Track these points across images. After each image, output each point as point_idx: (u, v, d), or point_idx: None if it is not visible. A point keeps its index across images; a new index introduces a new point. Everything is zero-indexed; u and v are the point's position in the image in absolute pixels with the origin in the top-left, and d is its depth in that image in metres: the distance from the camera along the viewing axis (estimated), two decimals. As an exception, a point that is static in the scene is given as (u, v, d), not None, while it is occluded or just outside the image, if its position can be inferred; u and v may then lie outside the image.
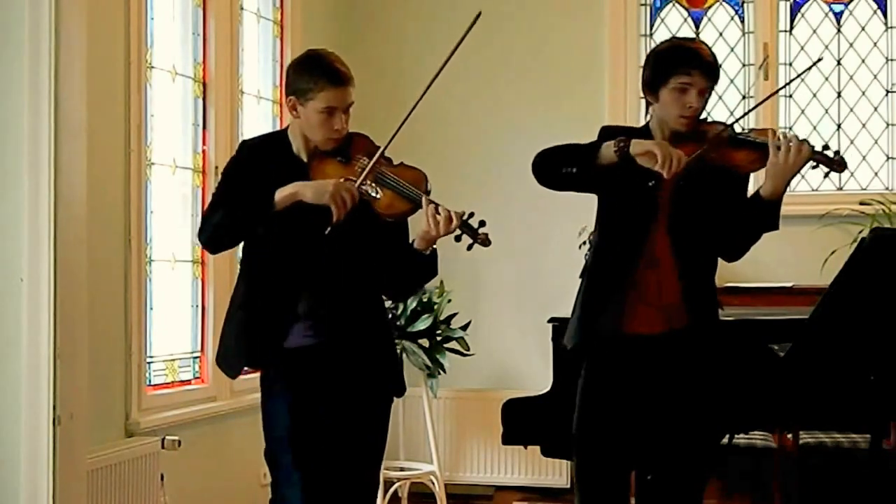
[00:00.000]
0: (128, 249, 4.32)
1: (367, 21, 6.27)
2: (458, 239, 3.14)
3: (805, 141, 3.16)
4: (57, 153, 3.60)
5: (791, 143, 3.11)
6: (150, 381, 4.53)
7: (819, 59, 3.64)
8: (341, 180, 3.07)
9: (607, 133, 3.32)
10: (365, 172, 3.11)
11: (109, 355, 4.20)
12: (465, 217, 3.09)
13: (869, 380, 3.57)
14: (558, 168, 3.23)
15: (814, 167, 3.17)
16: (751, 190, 3.34)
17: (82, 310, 3.75)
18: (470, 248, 3.14)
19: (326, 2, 6.12)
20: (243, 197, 3.13)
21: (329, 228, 3.06)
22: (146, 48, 4.47)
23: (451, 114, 6.11)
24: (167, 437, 4.37)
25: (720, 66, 3.28)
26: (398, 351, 5.43)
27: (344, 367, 3.21)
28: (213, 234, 3.20)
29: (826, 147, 3.18)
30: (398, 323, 5.39)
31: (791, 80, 3.64)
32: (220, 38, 5.01)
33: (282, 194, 3.07)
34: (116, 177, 4.27)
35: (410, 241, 3.20)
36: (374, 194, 3.12)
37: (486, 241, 3.11)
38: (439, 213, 3.07)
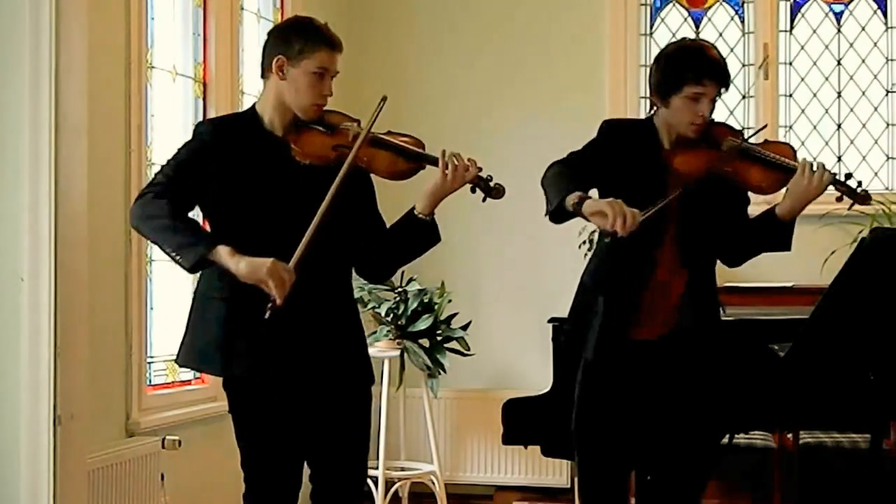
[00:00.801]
0: (128, 249, 4.32)
1: (367, 21, 6.26)
2: (473, 190, 3.12)
3: (828, 171, 3.16)
4: (57, 153, 3.61)
5: (818, 169, 3.13)
6: (150, 381, 4.53)
7: (764, 126, 3.66)
8: (275, 262, 2.88)
9: (609, 128, 3.30)
10: (365, 132, 3.01)
11: (110, 355, 4.20)
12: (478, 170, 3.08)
13: (869, 380, 3.57)
14: (549, 204, 3.14)
15: (838, 199, 3.18)
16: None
17: (83, 310, 3.75)
18: (485, 199, 3.12)
19: (326, 2, 6.12)
20: (183, 221, 2.94)
21: (269, 313, 2.89)
22: (146, 48, 4.48)
23: (451, 114, 6.10)
24: (167, 437, 4.37)
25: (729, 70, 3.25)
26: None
27: (313, 363, 3.10)
28: (139, 226, 2.99)
29: (849, 176, 3.18)
30: (399, 323, 5.40)
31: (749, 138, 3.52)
32: (220, 38, 5.01)
33: (215, 256, 2.90)
34: (117, 177, 4.27)
35: (412, 208, 3.11)
36: (365, 156, 3.04)
37: (500, 192, 3.11)
38: (457, 162, 3.02)
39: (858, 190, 3.17)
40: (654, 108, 3.29)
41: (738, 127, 3.33)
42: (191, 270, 2.97)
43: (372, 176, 3.17)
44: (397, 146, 3.10)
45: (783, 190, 3.27)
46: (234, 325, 3.04)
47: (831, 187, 3.20)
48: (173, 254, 2.93)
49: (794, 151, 3.30)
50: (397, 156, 3.10)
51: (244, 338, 3.03)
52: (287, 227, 3.00)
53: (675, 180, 3.19)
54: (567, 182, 3.09)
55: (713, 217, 3.23)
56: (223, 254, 2.91)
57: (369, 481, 5.40)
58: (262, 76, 3.15)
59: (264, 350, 3.04)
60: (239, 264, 2.89)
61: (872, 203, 3.27)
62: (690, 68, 3.14)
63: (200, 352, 3.11)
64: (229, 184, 3.04)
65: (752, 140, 3.29)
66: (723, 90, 3.20)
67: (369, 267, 3.24)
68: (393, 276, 3.29)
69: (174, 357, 3.26)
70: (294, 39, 3.06)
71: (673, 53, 3.24)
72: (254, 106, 3.18)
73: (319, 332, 3.10)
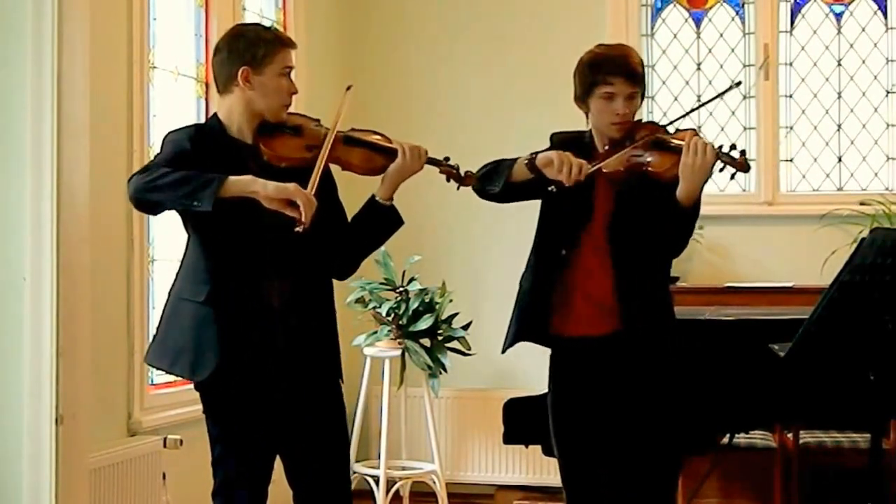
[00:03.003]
0: (130, 249, 4.33)
1: (368, 21, 6.27)
2: (447, 180, 3.24)
3: (711, 143, 3.13)
4: (59, 153, 3.62)
5: (697, 145, 3.10)
6: (152, 380, 4.54)
7: (738, 83, 3.63)
8: (299, 186, 2.91)
9: (557, 139, 3.41)
10: (333, 130, 3.06)
11: (111, 354, 4.21)
12: (442, 159, 3.20)
13: (869, 379, 3.58)
14: (484, 188, 3.32)
15: (721, 169, 3.15)
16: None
17: (85, 309, 3.76)
18: (458, 188, 3.26)
19: (328, 2, 6.13)
20: (186, 172, 2.91)
21: (300, 228, 2.90)
22: (148, 48, 4.49)
23: (450, 114, 6.11)
24: (169, 437, 4.38)
25: (643, 69, 3.29)
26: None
27: (282, 362, 3.10)
28: (142, 193, 2.92)
29: (733, 147, 3.16)
30: (400, 322, 5.41)
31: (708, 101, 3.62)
32: (221, 38, 5.02)
33: (233, 187, 2.88)
34: (119, 177, 4.27)
35: (372, 195, 3.18)
36: (339, 156, 3.10)
37: (471, 180, 3.26)
38: (412, 147, 3.13)
39: (738, 158, 3.14)
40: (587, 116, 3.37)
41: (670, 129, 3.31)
42: (213, 210, 2.88)
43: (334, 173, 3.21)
44: (370, 143, 3.16)
45: None
46: (205, 330, 3.03)
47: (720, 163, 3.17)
48: (188, 201, 2.88)
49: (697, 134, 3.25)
50: (371, 152, 3.16)
51: (214, 342, 3.02)
52: (269, 231, 3.01)
53: (602, 183, 3.25)
54: (511, 161, 3.28)
55: (643, 213, 3.23)
56: (244, 181, 2.90)
57: (370, 480, 5.42)
58: (221, 92, 3.12)
59: (233, 353, 3.03)
60: (266, 185, 2.89)
61: (750, 168, 3.21)
62: (595, 69, 3.25)
63: (171, 353, 3.10)
64: None
65: (675, 125, 3.32)
66: (638, 88, 3.24)
67: (338, 262, 3.24)
68: (358, 268, 3.30)
69: (145, 356, 3.28)
70: (253, 48, 3.06)
71: (585, 58, 3.34)
72: (215, 116, 3.16)
73: (291, 332, 3.10)
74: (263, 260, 3.06)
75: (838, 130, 5.97)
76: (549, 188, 3.16)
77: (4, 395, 3.61)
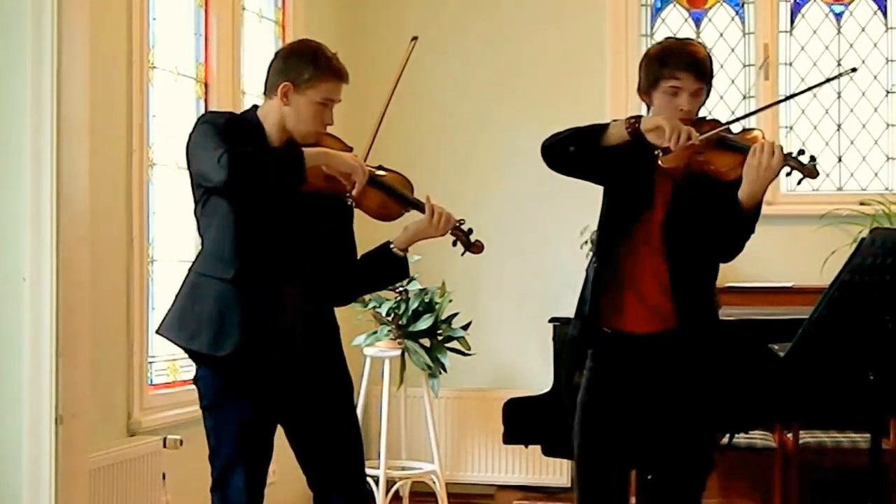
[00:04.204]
0: (130, 249, 4.33)
1: (369, 21, 6.27)
2: (454, 244, 3.22)
3: (780, 146, 3.12)
4: (59, 153, 3.61)
5: (765, 147, 3.09)
6: (151, 380, 4.54)
7: (854, 69, 3.57)
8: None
9: None
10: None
11: (111, 355, 4.21)
12: (459, 223, 3.18)
13: (869, 379, 3.57)
14: (564, 147, 3.23)
15: (787, 173, 3.14)
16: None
17: (84, 309, 3.76)
18: (463, 254, 3.23)
19: (328, 2, 6.13)
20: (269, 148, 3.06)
21: (350, 200, 3.05)
22: (148, 48, 4.48)
23: (451, 114, 6.11)
24: (169, 437, 4.38)
25: (712, 65, 3.27)
26: (402, 350, 5.45)
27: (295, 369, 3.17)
28: (243, 166, 2.94)
29: (801, 152, 3.15)
30: (400, 322, 5.41)
31: (804, 91, 3.58)
32: (221, 38, 5.02)
33: (310, 153, 3.00)
34: (118, 177, 4.28)
35: (388, 242, 3.23)
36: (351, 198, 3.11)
37: (479, 249, 3.21)
38: (442, 214, 3.14)
39: (807, 164, 3.13)
40: (649, 110, 3.34)
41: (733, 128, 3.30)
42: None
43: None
44: (390, 188, 3.17)
45: None
46: (229, 307, 3.06)
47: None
48: (286, 181, 3.01)
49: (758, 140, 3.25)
50: (388, 197, 3.17)
51: (237, 320, 3.05)
52: (292, 234, 3.11)
53: (661, 179, 3.23)
54: (595, 126, 3.20)
55: (700, 209, 3.23)
56: (316, 153, 3.02)
57: (370, 480, 5.41)
58: (265, 94, 3.16)
59: (254, 334, 3.06)
60: (334, 157, 3.02)
61: (819, 175, 3.21)
62: (665, 63, 3.20)
63: (190, 328, 3.12)
64: None
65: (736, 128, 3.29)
66: (705, 85, 3.22)
67: (337, 289, 3.28)
68: (354, 301, 3.40)
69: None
70: (303, 67, 3.08)
71: (652, 51, 3.30)
72: (255, 109, 3.19)
73: (306, 327, 3.16)
74: (284, 258, 3.11)
75: (838, 130, 5.97)
76: (656, 152, 3.11)
77: (4, 395, 3.61)
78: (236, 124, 3.11)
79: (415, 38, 3.15)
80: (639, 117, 3.16)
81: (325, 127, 3.13)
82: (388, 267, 3.24)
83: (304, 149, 3.01)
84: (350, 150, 3.17)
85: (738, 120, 3.34)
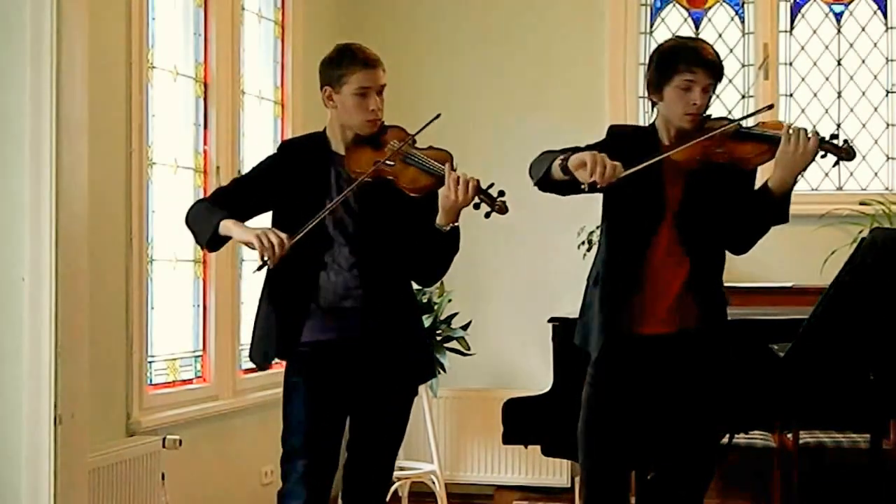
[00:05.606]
0: (129, 249, 4.32)
1: (368, 21, 6.26)
2: (476, 206, 3.22)
3: (814, 131, 3.16)
4: (58, 153, 3.61)
5: (800, 133, 3.12)
6: (151, 380, 4.53)
7: (769, 107, 3.64)
8: (269, 229, 3.15)
9: (614, 133, 3.38)
10: (393, 152, 3.22)
11: (110, 354, 4.20)
12: (486, 187, 3.19)
13: (869, 379, 3.58)
14: (534, 178, 3.31)
15: (822, 156, 3.17)
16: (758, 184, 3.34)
17: (83, 309, 3.76)
18: (488, 215, 3.20)
19: (328, 2, 6.13)
20: (214, 205, 3.29)
21: (259, 268, 3.15)
22: (147, 48, 4.48)
23: (450, 115, 6.09)
24: (168, 437, 4.38)
25: (723, 63, 3.29)
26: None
27: (370, 363, 3.28)
28: (188, 216, 3.34)
29: (834, 136, 3.18)
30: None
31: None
32: (221, 38, 5.01)
33: (224, 224, 3.20)
34: (118, 177, 4.28)
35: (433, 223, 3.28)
36: (390, 172, 3.21)
37: (503, 209, 3.19)
38: (460, 180, 3.16)
39: (842, 145, 3.16)
40: (654, 107, 3.33)
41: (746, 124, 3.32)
42: (209, 248, 3.32)
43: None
44: (421, 164, 3.25)
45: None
46: (278, 315, 3.30)
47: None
48: (196, 238, 3.33)
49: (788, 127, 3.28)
50: (419, 172, 3.25)
51: (280, 327, 3.30)
52: (344, 236, 3.26)
53: (671, 172, 3.23)
54: (558, 153, 3.20)
55: (715, 203, 3.24)
56: (224, 227, 3.20)
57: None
58: (326, 107, 3.37)
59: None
60: (233, 229, 3.19)
61: (856, 156, 3.24)
62: (679, 56, 3.23)
63: (257, 345, 3.37)
64: (290, 198, 3.28)
65: (749, 122, 3.33)
66: (716, 81, 3.24)
67: (420, 273, 3.44)
68: (440, 279, 3.50)
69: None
70: (333, 69, 3.28)
71: (664, 47, 3.33)
72: (325, 129, 3.39)
73: (384, 323, 3.31)
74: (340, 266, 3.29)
75: (838, 130, 5.96)
76: (582, 187, 3.13)
77: (4, 395, 3.60)
78: (300, 147, 3.41)
79: (438, 115, 3.23)
80: (570, 155, 3.12)
81: (374, 114, 3.25)
82: (439, 243, 3.28)
83: (223, 221, 3.19)
84: (413, 140, 3.27)
85: (745, 117, 3.38)
